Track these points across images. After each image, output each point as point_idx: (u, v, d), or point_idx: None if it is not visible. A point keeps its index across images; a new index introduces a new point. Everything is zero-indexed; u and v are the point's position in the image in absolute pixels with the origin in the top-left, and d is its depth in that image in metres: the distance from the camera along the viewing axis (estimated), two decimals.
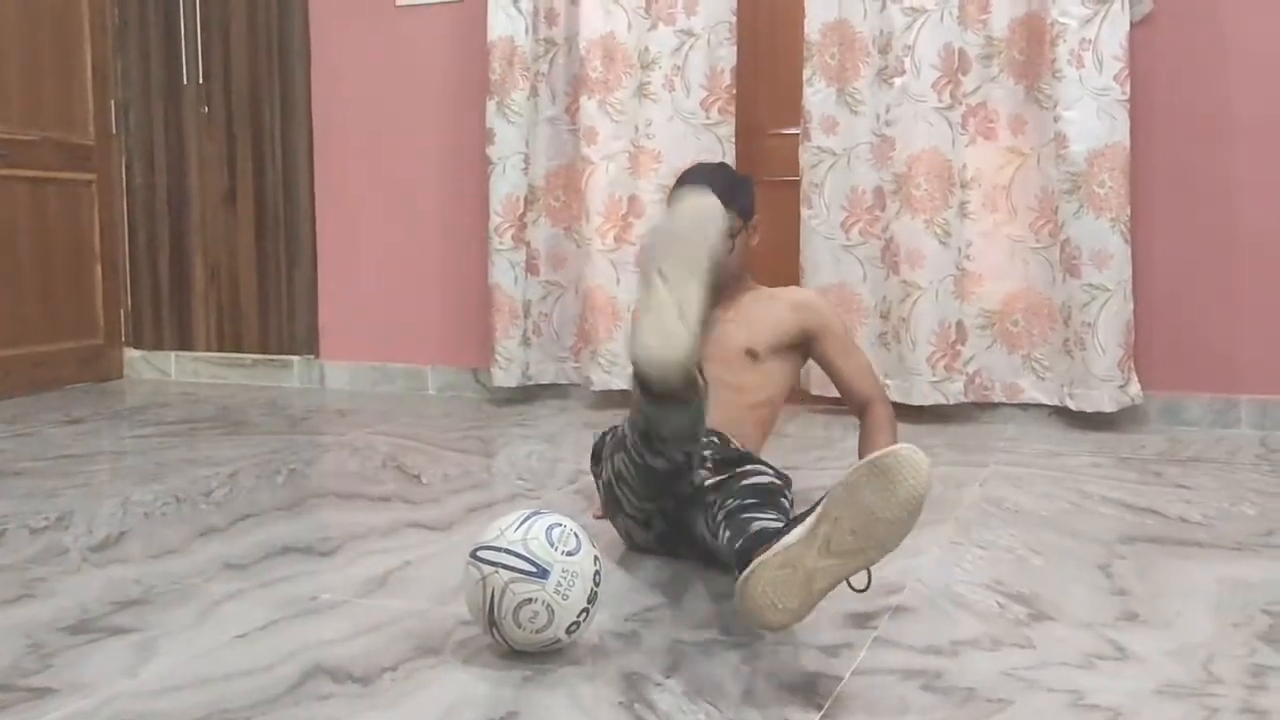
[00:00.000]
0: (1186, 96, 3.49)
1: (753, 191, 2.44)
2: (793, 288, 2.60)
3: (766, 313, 2.40)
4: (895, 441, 2.28)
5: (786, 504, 1.98)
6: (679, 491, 2.03)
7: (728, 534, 1.81)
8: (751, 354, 2.34)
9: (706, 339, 2.32)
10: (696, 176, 2.37)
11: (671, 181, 3.82)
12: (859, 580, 1.56)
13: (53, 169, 4.50)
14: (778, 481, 2.04)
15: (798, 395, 2.95)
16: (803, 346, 2.42)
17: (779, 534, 1.61)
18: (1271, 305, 3.45)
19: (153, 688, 1.57)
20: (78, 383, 4.59)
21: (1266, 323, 3.45)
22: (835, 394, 3.48)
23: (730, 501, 1.90)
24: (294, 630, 1.79)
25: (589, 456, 2.41)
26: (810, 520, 1.56)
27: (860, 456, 2.32)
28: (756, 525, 1.75)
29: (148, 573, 2.10)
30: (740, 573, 1.58)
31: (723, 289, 2.34)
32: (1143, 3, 3.48)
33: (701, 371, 1.82)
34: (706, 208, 1.81)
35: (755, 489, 1.95)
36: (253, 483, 2.84)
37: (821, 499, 1.57)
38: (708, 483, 2.04)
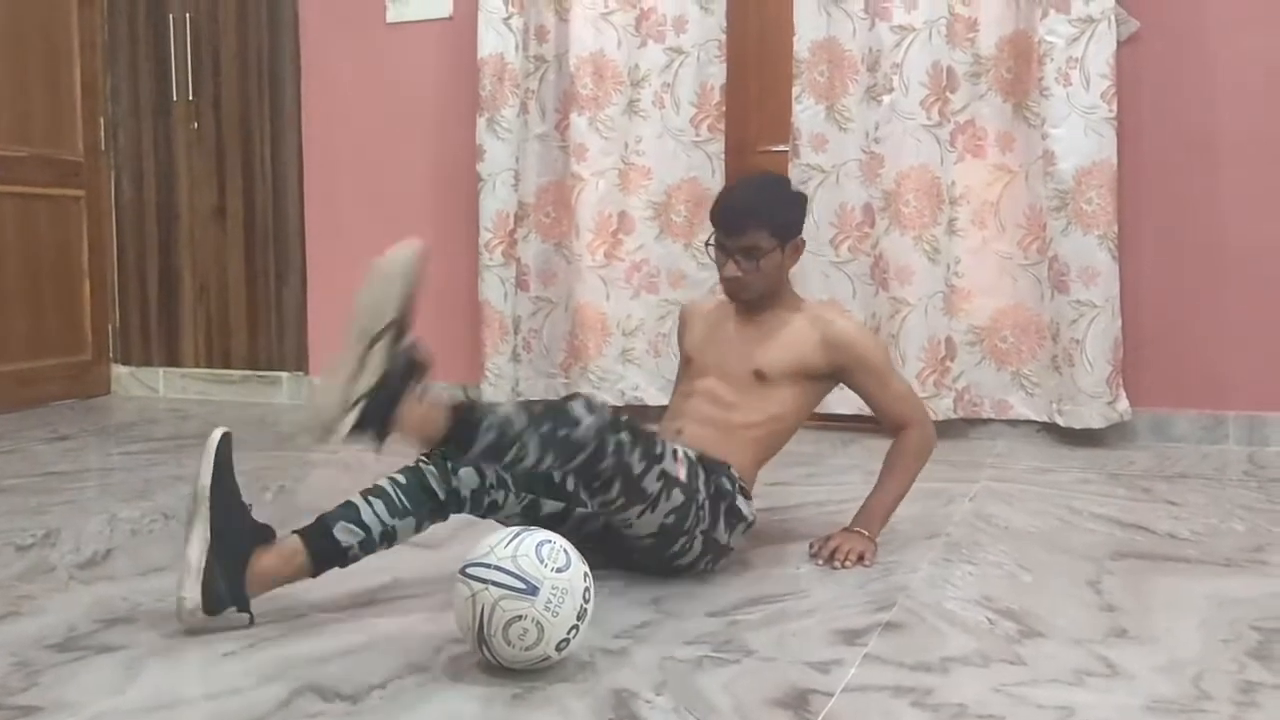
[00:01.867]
0: (1173, 114, 3.51)
1: (801, 211, 2.31)
2: (834, 318, 2.34)
3: (792, 340, 2.26)
4: (911, 464, 2.29)
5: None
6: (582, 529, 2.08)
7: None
8: (759, 375, 2.24)
9: (718, 347, 2.31)
10: (738, 189, 2.35)
11: (662, 198, 3.86)
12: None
13: (41, 185, 4.49)
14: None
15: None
16: (831, 377, 2.30)
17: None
18: (1259, 321, 3.46)
19: (140, 706, 1.57)
20: (65, 399, 4.57)
21: (1254, 339, 3.47)
22: (823, 411, 3.49)
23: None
24: (282, 648, 1.78)
25: None
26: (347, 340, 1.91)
27: (880, 474, 2.31)
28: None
29: (135, 590, 2.09)
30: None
31: (751, 305, 2.28)
32: (1129, 22, 3.50)
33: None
34: (395, 257, 2.02)
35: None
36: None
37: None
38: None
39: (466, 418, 1.87)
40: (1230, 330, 3.49)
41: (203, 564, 1.81)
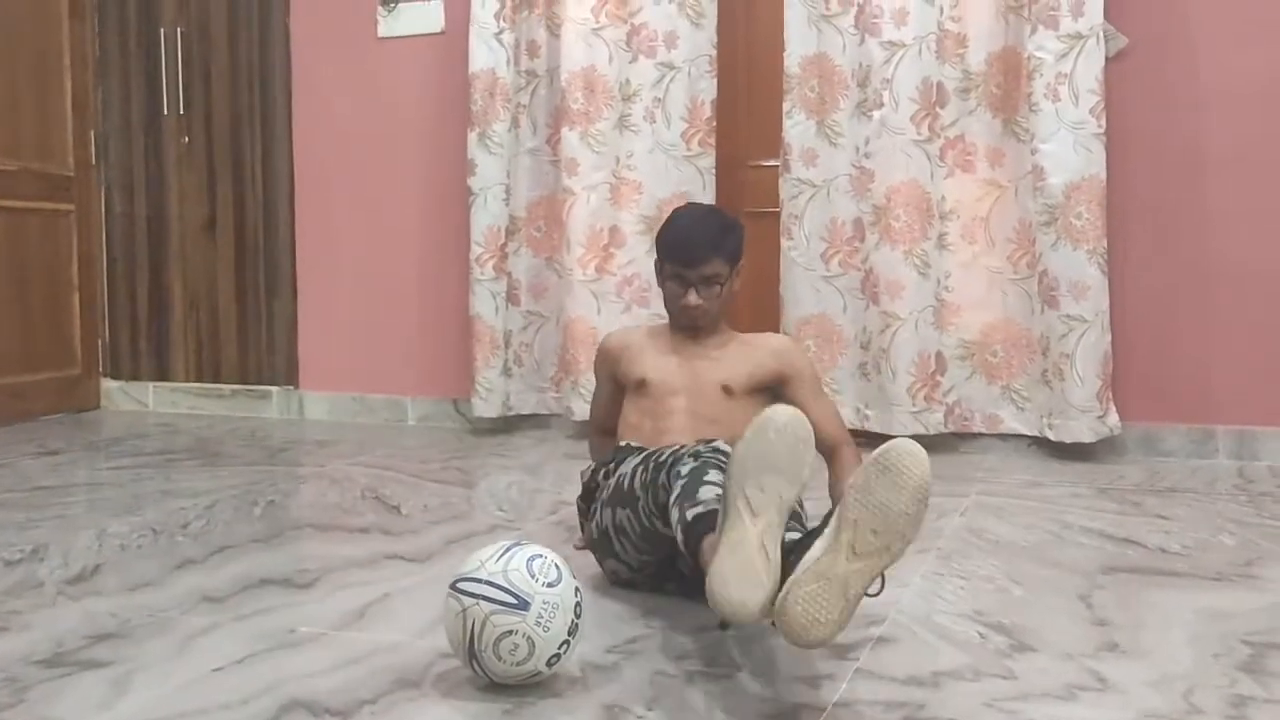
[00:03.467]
0: (1161, 129, 3.53)
1: (742, 237, 2.42)
2: (769, 334, 2.61)
3: (745, 354, 2.40)
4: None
5: (798, 509, 1.98)
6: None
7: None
8: (727, 389, 2.33)
9: (684, 369, 2.35)
10: (688, 220, 2.39)
11: (653, 212, 3.87)
12: (873, 585, 1.57)
13: (32, 199, 4.49)
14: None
15: None
16: (773, 389, 2.40)
17: (799, 546, 1.62)
18: (1248, 336, 3.47)
19: None
20: (54, 414, 4.55)
21: (1243, 353, 3.48)
22: None
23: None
24: (271, 663, 1.77)
25: (572, 488, 2.40)
26: (831, 528, 1.58)
27: (832, 497, 2.32)
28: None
29: (124, 606, 2.08)
30: (777, 599, 1.59)
31: (704, 330, 2.38)
32: (1117, 38, 3.52)
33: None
34: (801, 430, 1.70)
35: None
36: (230, 514, 2.82)
37: (833, 508, 1.60)
38: None
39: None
40: (1219, 345, 3.50)
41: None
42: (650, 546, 2.05)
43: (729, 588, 1.58)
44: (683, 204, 2.59)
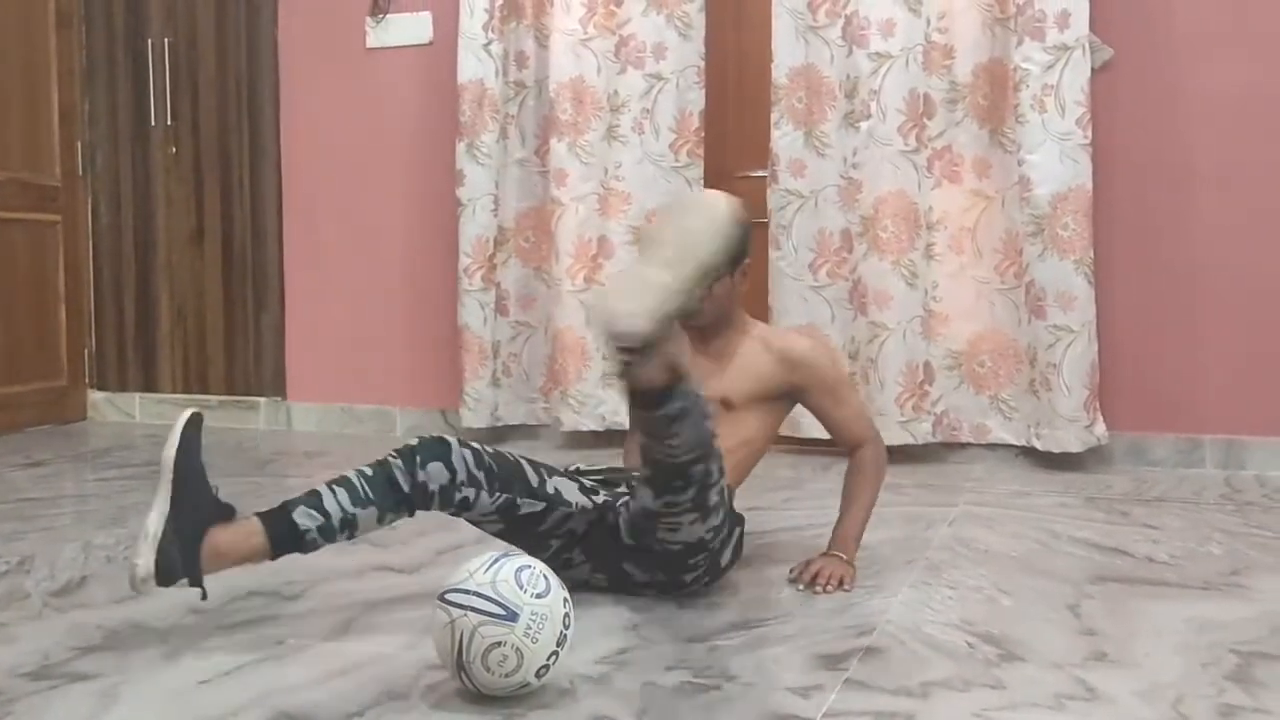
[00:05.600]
0: (1147, 141, 3.55)
1: (748, 235, 2.27)
2: (789, 335, 2.45)
3: (751, 364, 2.29)
4: (873, 482, 2.32)
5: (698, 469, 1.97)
6: (539, 535, 2.10)
7: (646, 470, 1.96)
8: (726, 404, 2.25)
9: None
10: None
11: (641, 222, 3.87)
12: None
13: (18, 210, 4.47)
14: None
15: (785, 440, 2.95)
16: (788, 396, 2.33)
17: None
18: (1234, 346, 3.49)
19: None
20: (40, 425, 4.53)
21: (1229, 363, 3.49)
22: (803, 435, 3.49)
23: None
24: (259, 675, 1.76)
25: None
26: (640, 246, 1.83)
27: (843, 498, 2.32)
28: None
29: (110, 618, 2.07)
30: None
31: (704, 333, 2.29)
32: (1103, 50, 3.54)
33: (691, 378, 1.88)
34: (718, 203, 1.89)
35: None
36: None
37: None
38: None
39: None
40: (1206, 354, 3.52)
41: (160, 533, 1.84)
42: (516, 541, 2.09)
43: (607, 298, 1.79)
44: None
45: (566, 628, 1.65)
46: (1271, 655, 1.83)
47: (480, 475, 2.00)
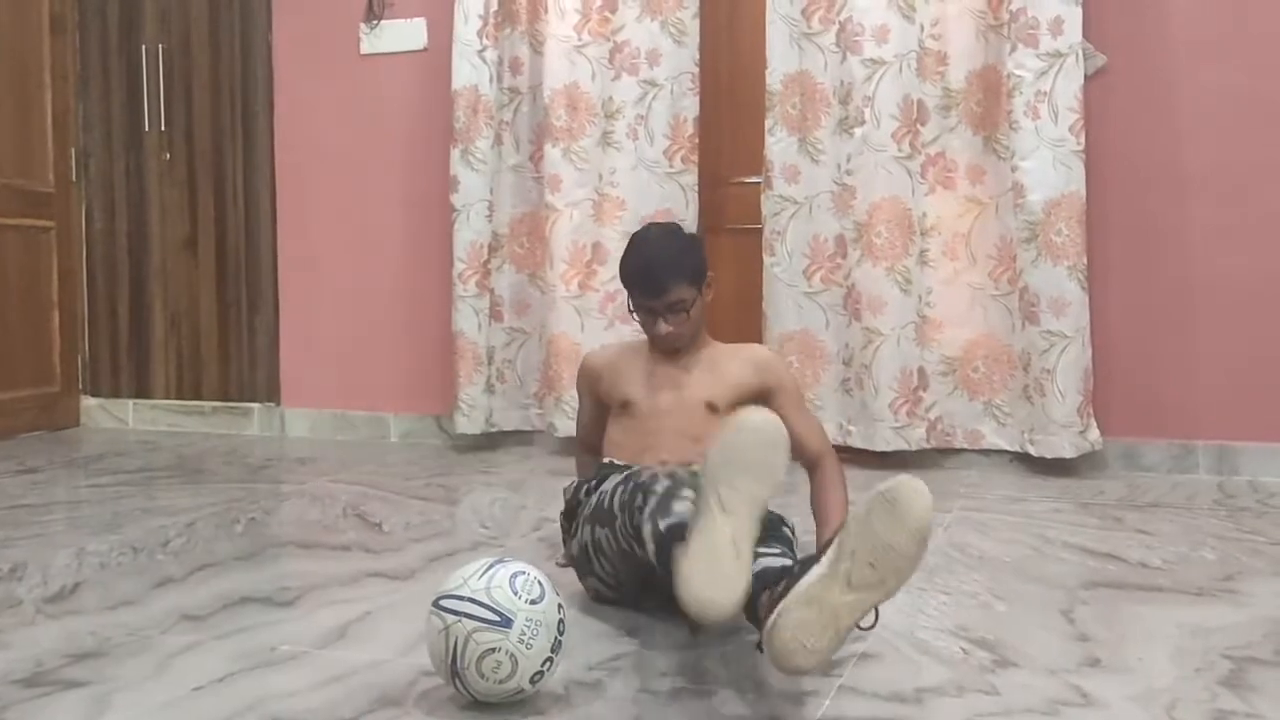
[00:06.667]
0: (1140, 147, 3.56)
1: (703, 251, 2.41)
2: (751, 345, 2.57)
3: (726, 369, 2.38)
4: (844, 491, 2.34)
5: (789, 534, 1.98)
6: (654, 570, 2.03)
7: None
8: (712, 407, 2.32)
9: (666, 387, 2.35)
10: (646, 249, 2.35)
11: (636, 228, 3.85)
12: (866, 618, 1.57)
13: (11, 216, 4.46)
14: (775, 514, 2.04)
15: None
16: (756, 403, 2.35)
17: (791, 572, 1.61)
18: (1227, 351, 3.50)
19: None
20: (33, 431, 4.52)
21: (1222, 369, 3.50)
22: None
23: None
24: (252, 682, 1.76)
25: (556, 505, 2.40)
26: (829, 556, 1.59)
27: (814, 510, 2.32)
28: (763, 563, 1.72)
29: (103, 624, 2.06)
30: (765, 618, 1.58)
31: (682, 351, 2.36)
32: (1096, 57, 3.55)
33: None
34: (774, 432, 1.73)
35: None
36: (211, 532, 2.81)
37: (834, 535, 1.60)
38: None
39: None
40: (1199, 360, 3.52)
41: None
42: (627, 567, 2.05)
43: (698, 586, 1.59)
44: (640, 229, 2.53)
45: (561, 634, 1.65)
46: (1264, 660, 1.83)
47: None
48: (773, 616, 1.55)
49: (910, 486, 1.58)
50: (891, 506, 1.56)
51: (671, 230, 2.47)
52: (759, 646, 1.59)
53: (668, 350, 2.37)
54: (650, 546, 1.84)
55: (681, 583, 1.60)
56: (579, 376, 2.55)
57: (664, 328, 2.31)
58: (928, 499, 1.58)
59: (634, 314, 2.38)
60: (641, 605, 2.10)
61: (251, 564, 2.52)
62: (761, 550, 1.76)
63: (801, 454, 2.39)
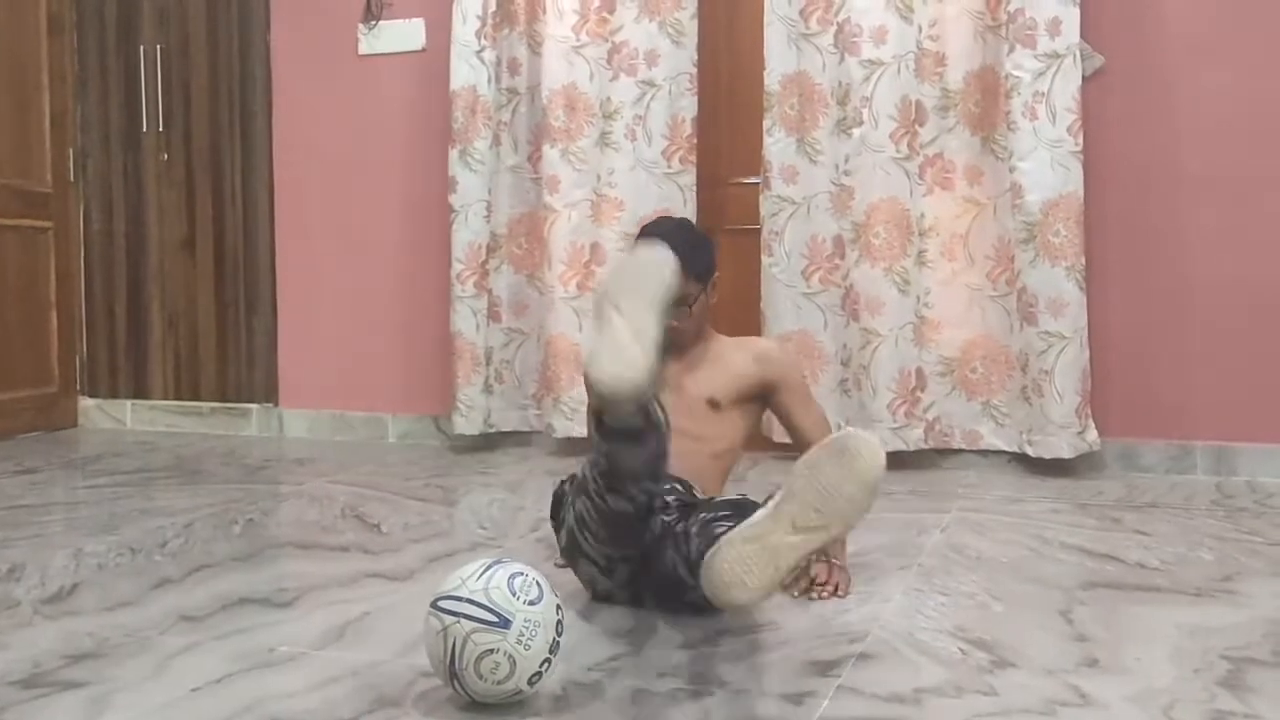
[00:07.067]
0: (1138, 148, 3.56)
1: (713, 251, 2.42)
2: (755, 339, 2.59)
3: (729, 363, 2.39)
4: None
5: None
6: (641, 536, 2.03)
7: (699, 543, 1.82)
8: (713, 404, 2.34)
9: (667, 387, 2.34)
10: (657, 233, 2.33)
11: (634, 229, 3.86)
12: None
13: (9, 216, 4.46)
14: (751, 498, 2.05)
15: (760, 442, 2.95)
16: (762, 397, 2.41)
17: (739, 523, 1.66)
18: (1225, 352, 3.50)
19: None
20: (31, 431, 4.52)
21: (1220, 369, 3.50)
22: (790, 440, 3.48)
23: (703, 515, 1.93)
24: (250, 683, 1.76)
25: (550, 505, 2.39)
26: (775, 500, 1.65)
27: None
28: (712, 527, 1.78)
29: (101, 625, 2.06)
30: (707, 553, 1.62)
31: (685, 347, 2.35)
32: (1094, 58, 3.55)
33: (662, 407, 1.83)
34: (661, 257, 1.85)
35: (728, 503, 1.99)
36: (209, 533, 2.81)
37: (782, 483, 1.67)
38: (674, 521, 2.04)
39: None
40: (1197, 361, 3.52)
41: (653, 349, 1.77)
42: (610, 532, 2.03)
43: (603, 363, 1.70)
44: (651, 219, 2.54)
45: (559, 635, 1.65)
46: (1263, 661, 1.83)
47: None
48: (714, 548, 1.59)
49: (861, 438, 1.66)
50: (841, 455, 1.63)
51: (683, 224, 2.49)
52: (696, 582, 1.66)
53: (669, 347, 2.35)
54: (602, 449, 1.91)
55: (589, 364, 1.72)
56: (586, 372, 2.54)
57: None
58: (878, 450, 1.66)
59: None
60: (643, 602, 2.10)
61: (250, 565, 2.52)
62: (729, 524, 1.81)
63: (804, 447, 2.39)
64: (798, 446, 2.43)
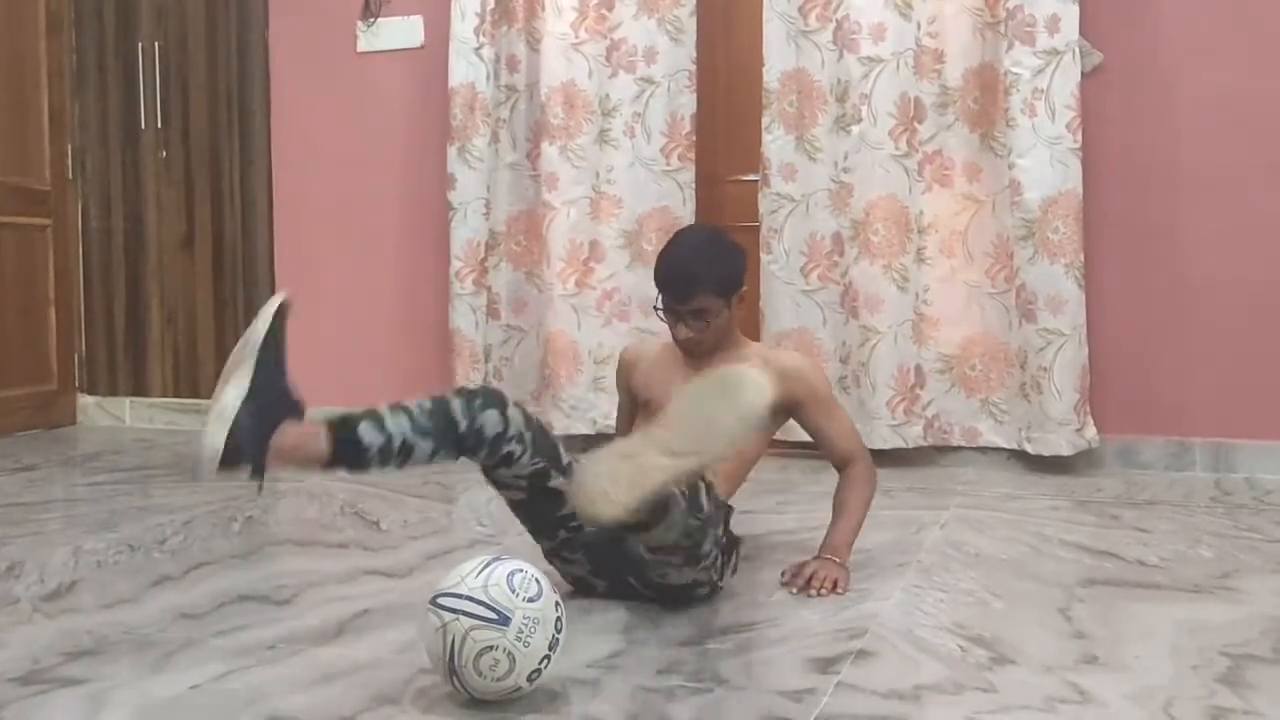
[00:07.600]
0: (1137, 145, 3.56)
1: (739, 263, 2.35)
2: (783, 353, 2.56)
3: None
4: (865, 495, 2.34)
5: (702, 502, 1.96)
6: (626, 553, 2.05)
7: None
8: None
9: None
10: (680, 252, 2.30)
11: (633, 226, 3.87)
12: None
13: (8, 214, 4.46)
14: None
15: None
16: (785, 410, 2.35)
17: None
18: (1223, 349, 3.50)
19: None
20: (30, 429, 4.52)
21: (1219, 366, 3.50)
22: (793, 439, 3.49)
23: None
24: (250, 680, 1.76)
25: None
26: (653, 425, 1.70)
27: (833, 505, 2.33)
28: None
29: (100, 623, 2.06)
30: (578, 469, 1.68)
31: (702, 357, 2.32)
32: (1092, 55, 3.55)
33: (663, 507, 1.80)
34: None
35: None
36: (208, 530, 2.81)
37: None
38: None
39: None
40: (1196, 358, 3.52)
41: (236, 413, 1.77)
42: (586, 555, 2.08)
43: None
44: (684, 228, 2.47)
45: (559, 632, 1.65)
46: (1262, 657, 1.83)
47: (528, 435, 1.99)
48: (586, 462, 1.62)
49: (749, 375, 1.71)
50: (723, 386, 1.67)
51: (710, 236, 2.40)
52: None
53: (690, 354, 2.35)
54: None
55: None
56: (617, 368, 2.56)
57: (684, 332, 2.29)
58: (765, 389, 1.71)
59: (659, 311, 2.33)
60: (623, 588, 2.10)
61: (248, 562, 2.52)
62: None
63: (831, 456, 2.40)
64: (825, 456, 2.43)
